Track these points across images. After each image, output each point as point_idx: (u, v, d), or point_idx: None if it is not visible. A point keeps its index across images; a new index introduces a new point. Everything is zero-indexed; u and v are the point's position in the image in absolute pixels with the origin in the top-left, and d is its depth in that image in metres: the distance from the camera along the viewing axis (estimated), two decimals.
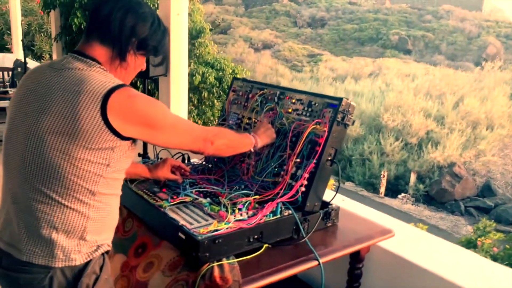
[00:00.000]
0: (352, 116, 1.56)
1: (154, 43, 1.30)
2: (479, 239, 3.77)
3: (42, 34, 8.63)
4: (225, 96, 5.62)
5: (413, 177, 12.84)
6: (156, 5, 4.73)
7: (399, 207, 11.65)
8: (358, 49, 30.30)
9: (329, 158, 1.54)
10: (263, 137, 1.60)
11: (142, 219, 1.57)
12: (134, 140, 1.23)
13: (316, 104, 1.60)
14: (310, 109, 1.61)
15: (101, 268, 1.23)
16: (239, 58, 27.06)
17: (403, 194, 12.45)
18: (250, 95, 1.85)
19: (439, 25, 31.29)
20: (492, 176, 13.04)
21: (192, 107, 5.17)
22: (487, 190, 12.56)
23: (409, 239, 1.85)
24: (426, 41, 30.17)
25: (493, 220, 10.92)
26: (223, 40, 30.44)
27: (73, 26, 4.57)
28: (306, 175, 1.51)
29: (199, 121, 5.26)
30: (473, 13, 31.44)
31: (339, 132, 1.54)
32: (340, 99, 1.54)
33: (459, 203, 11.93)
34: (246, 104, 1.85)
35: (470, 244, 3.93)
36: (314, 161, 1.51)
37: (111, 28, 1.22)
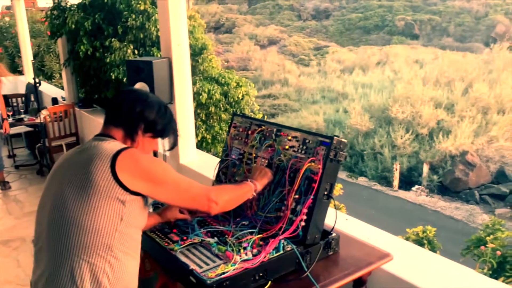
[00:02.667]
0: (344, 152, 1.66)
1: (160, 126, 1.52)
2: (487, 237, 3.84)
3: (51, 54, 8.87)
4: (231, 109, 5.76)
5: (426, 168, 12.78)
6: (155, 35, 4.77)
7: (414, 200, 11.62)
8: (364, 38, 30.11)
9: (325, 193, 1.65)
10: (261, 179, 1.70)
11: (156, 260, 1.69)
12: (143, 197, 1.37)
13: (310, 142, 1.70)
14: (305, 147, 1.71)
15: None
16: (245, 57, 27.07)
17: (417, 186, 12.39)
18: (250, 131, 1.96)
19: (445, 7, 30.89)
20: (506, 161, 12.90)
21: (200, 122, 5.32)
22: (501, 176, 12.43)
23: (409, 258, 1.94)
24: (433, 24, 29.82)
25: (509, 207, 10.88)
26: (228, 39, 30.50)
27: (80, 52, 4.71)
28: (305, 210, 1.62)
29: (208, 136, 5.40)
30: None
31: (333, 168, 1.64)
32: (332, 138, 1.64)
33: (474, 191, 11.84)
34: (246, 140, 1.96)
35: (480, 243, 3.99)
36: (312, 196, 1.62)
37: (122, 114, 1.47)
